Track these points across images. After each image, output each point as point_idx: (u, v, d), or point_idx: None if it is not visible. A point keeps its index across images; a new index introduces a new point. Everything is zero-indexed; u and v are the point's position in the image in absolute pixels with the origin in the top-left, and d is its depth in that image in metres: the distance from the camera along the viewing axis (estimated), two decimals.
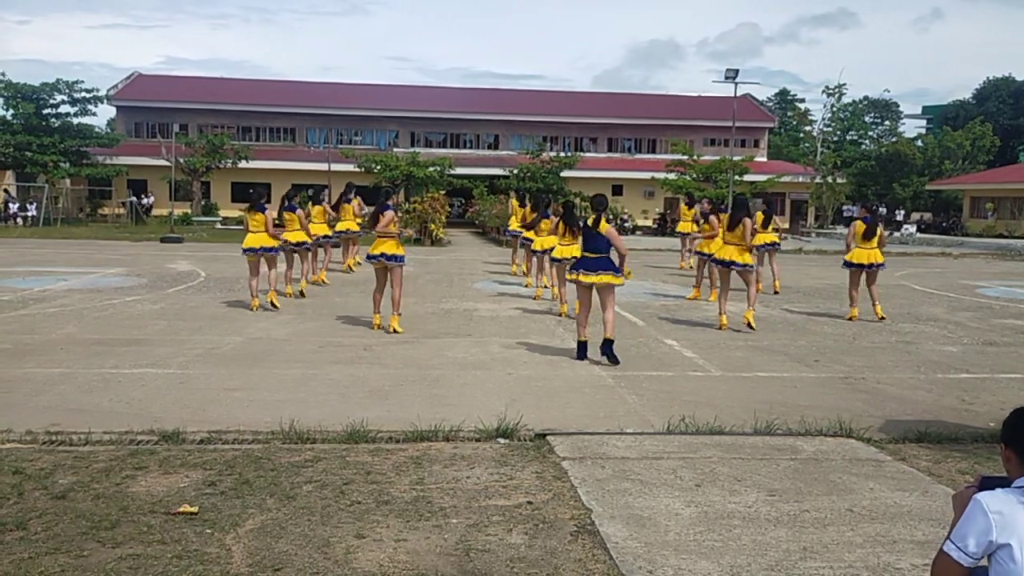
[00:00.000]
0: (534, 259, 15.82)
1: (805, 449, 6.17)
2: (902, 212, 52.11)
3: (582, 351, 9.28)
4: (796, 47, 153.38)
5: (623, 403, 7.49)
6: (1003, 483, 2.51)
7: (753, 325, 11.42)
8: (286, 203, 13.95)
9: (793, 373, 9.00)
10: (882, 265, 12.83)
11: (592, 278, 9.20)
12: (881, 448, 6.26)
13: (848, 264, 12.88)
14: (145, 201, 42.96)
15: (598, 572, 4.08)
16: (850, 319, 12.62)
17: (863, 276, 12.79)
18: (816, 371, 9.12)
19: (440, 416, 6.57)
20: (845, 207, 53.69)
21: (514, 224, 18.11)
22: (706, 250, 14.99)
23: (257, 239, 12.39)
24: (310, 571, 3.99)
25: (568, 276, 9.64)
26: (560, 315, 12.43)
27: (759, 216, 15.46)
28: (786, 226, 38.21)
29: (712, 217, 14.80)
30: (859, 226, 12.87)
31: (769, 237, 15.74)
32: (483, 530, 4.53)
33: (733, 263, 11.40)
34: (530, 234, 14.90)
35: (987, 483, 2.53)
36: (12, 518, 4.52)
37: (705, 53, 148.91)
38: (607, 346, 9.07)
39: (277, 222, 12.88)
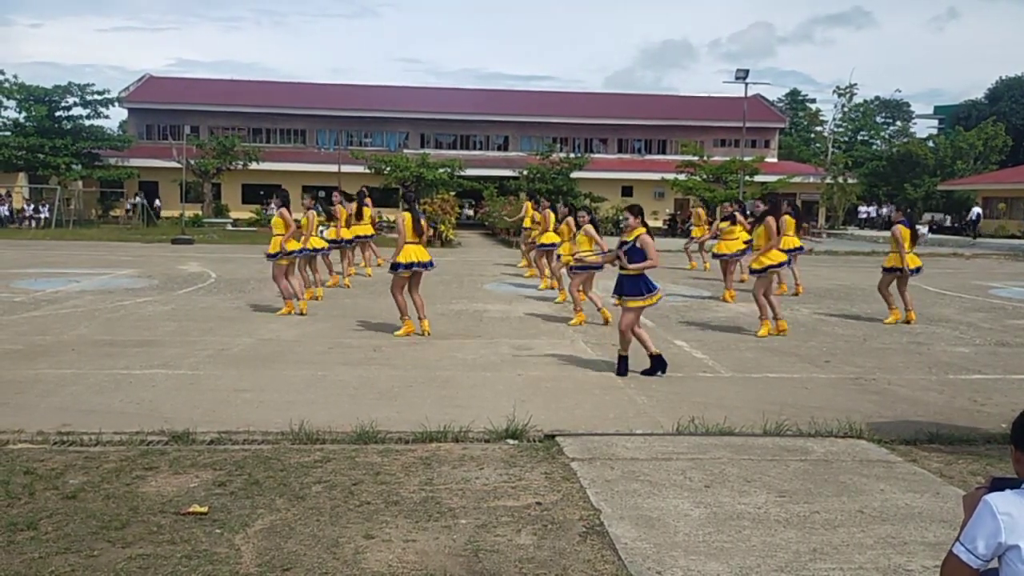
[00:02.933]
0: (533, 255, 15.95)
1: (815, 450, 6.15)
2: (942, 215, 51.53)
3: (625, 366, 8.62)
4: (810, 47, 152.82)
5: (632, 404, 7.48)
6: (1014, 484, 2.49)
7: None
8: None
9: (804, 374, 8.96)
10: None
11: (640, 302, 8.55)
12: (892, 449, 6.23)
13: (899, 270, 12.62)
14: (137, 199, 43.19)
15: (607, 573, 4.08)
16: (904, 321, 12.51)
17: (896, 279, 12.67)
18: (827, 372, 9.08)
19: (449, 417, 6.57)
20: (861, 208, 53.41)
21: (542, 237, 16.00)
22: (725, 251, 15.08)
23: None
24: (319, 571, 4.00)
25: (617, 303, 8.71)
26: (573, 324, 11.89)
27: (789, 220, 15.33)
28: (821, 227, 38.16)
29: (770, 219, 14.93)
30: (906, 231, 12.54)
31: (794, 242, 15.65)
32: (492, 531, 4.53)
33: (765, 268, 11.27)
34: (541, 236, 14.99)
35: (998, 484, 2.51)
36: (23, 518, 4.54)
37: (718, 53, 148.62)
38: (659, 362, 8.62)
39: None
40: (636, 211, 8.92)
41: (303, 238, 12.82)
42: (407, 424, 6.46)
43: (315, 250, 13.74)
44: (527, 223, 19.05)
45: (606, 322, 11.75)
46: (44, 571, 3.93)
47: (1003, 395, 8.15)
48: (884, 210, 51.95)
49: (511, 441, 6.20)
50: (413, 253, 10.63)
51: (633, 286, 8.55)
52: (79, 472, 5.30)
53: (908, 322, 12.42)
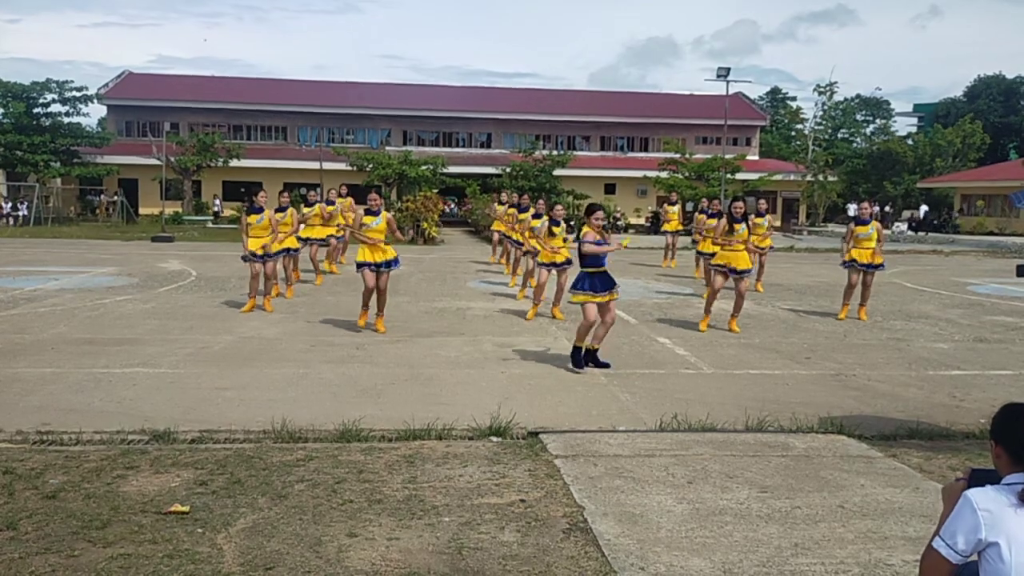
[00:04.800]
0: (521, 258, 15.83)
1: (796, 446, 6.19)
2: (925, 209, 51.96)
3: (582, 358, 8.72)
4: (794, 45, 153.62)
5: (615, 401, 7.50)
6: (992, 476, 2.51)
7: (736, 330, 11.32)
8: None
9: (785, 370, 9.02)
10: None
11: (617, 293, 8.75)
12: (872, 445, 6.28)
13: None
14: (104, 197, 42.95)
15: (590, 569, 4.09)
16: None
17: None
18: (807, 368, 9.14)
19: (433, 415, 6.57)
20: (851, 206, 53.68)
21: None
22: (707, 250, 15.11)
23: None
24: (302, 570, 3.99)
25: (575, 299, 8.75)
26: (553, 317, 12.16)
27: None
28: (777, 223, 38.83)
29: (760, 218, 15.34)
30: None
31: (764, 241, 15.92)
32: (476, 528, 4.53)
33: (743, 270, 11.34)
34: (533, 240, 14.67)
35: (976, 475, 2.54)
36: (2, 518, 4.50)
37: (702, 51, 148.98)
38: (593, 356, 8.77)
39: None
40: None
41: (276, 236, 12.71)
42: (390, 422, 6.45)
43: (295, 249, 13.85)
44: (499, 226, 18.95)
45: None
46: (24, 571, 3.90)
47: (981, 391, 8.23)
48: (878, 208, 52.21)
49: (495, 438, 6.20)
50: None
51: (610, 281, 8.68)
52: (59, 472, 5.25)
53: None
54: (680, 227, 20.92)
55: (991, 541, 2.36)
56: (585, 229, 8.73)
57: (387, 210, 10.86)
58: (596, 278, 8.61)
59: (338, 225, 16.81)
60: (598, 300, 8.59)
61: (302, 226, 15.15)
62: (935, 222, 47.91)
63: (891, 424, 6.84)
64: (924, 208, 46.63)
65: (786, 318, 12.75)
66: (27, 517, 4.53)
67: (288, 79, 57.51)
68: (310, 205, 16.31)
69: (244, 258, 12.26)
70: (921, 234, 40.94)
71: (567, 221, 12.47)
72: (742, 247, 11.32)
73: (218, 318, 11.65)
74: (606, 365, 8.73)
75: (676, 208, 20.86)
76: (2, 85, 39.00)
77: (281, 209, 13.52)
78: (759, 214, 16.06)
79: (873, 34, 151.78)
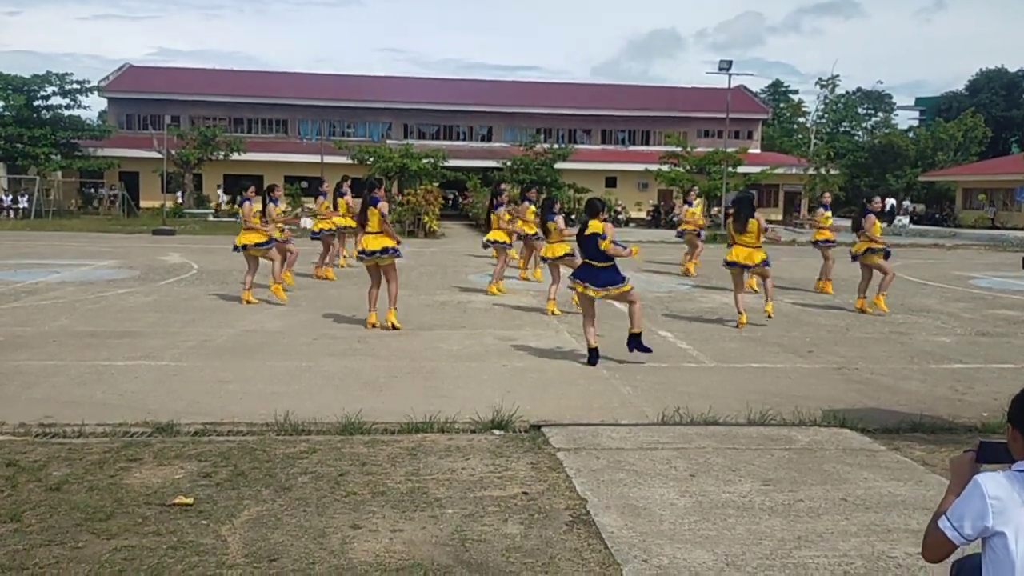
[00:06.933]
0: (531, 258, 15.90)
1: (799, 439, 6.19)
2: (923, 206, 51.50)
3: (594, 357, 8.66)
4: (797, 38, 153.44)
5: (618, 394, 7.50)
6: (1001, 449, 2.52)
7: (771, 315, 11.52)
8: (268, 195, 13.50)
9: (787, 364, 9.01)
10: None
11: (599, 292, 8.58)
12: (875, 438, 6.28)
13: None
14: (102, 191, 43.04)
15: (593, 561, 4.09)
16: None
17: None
18: (810, 362, 9.14)
19: (435, 408, 6.57)
20: (889, 200, 53.61)
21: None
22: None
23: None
24: (306, 561, 3.99)
25: (574, 287, 8.78)
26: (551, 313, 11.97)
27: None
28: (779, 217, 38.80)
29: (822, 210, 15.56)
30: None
31: (827, 233, 15.66)
32: (479, 520, 4.54)
33: (746, 266, 11.22)
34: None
35: (985, 447, 2.56)
36: (6, 510, 4.51)
37: (705, 44, 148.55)
38: (635, 340, 8.74)
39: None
40: None
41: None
42: (393, 415, 6.46)
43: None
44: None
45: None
46: (28, 563, 3.90)
47: (984, 384, 8.22)
48: (906, 203, 52.00)
49: (497, 431, 6.21)
50: (368, 242, 10.37)
51: (588, 273, 8.76)
52: (62, 464, 5.26)
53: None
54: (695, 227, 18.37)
55: (998, 530, 2.36)
56: (600, 226, 8.63)
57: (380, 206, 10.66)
58: (582, 268, 8.71)
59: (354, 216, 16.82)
60: (578, 289, 8.67)
61: (308, 220, 15.22)
62: (936, 216, 47.91)
63: (893, 417, 6.84)
64: (891, 201, 46.72)
65: (788, 311, 12.74)
66: (31, 509, 4.53)
67: (289, 72, 57.45)
68: (324, 196, 16.30)
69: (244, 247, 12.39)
70: (885, 225, 41.12)
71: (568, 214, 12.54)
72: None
73: (220, 311, 11.65)
74: (593, 359, 8.68)
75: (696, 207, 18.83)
76: (2, 78, 38.97)
77: (272, 201, 13.25)
78: (824, 207, 15.99)
79: (877, 27, 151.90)
